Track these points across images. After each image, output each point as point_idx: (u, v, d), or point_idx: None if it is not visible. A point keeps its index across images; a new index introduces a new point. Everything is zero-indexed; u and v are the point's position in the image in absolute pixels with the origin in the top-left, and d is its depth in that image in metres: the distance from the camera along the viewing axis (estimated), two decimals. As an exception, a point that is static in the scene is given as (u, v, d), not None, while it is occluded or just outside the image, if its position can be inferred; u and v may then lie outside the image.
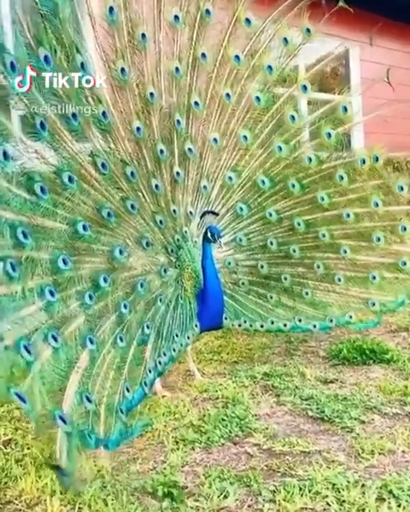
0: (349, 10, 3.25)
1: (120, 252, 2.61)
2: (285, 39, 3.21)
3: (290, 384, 2.93)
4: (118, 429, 2.08)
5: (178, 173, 3.00)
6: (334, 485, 1.95)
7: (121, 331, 2.47)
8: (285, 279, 3.32)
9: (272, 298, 3.32)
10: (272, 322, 3.26)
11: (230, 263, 3.29)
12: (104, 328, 2.37)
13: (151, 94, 2.84)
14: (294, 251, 3.29)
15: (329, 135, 3.29)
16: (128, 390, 2.33)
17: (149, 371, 2.58)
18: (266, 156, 3.26)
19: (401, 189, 3.37)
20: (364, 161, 3.33)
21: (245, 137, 3.20)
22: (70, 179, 2.37)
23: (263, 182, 3.24)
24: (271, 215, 3.27)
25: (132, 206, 2.73)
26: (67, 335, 2.12)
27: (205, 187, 3.15)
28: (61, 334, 2.09)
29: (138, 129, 2.79)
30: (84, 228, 2.39)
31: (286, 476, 2.05)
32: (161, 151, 2.89)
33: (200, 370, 3.21)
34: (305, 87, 3.32)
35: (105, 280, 2.46)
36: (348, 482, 1.96)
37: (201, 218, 3.11)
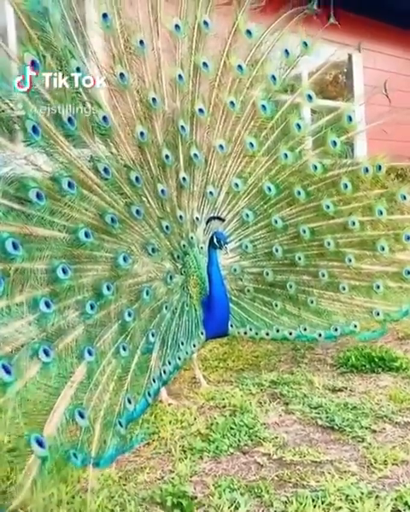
0: (342, 21, 3.31)
1: (125, 259, 2.57)
2: (286, 51, 3.24)
3: (298, 392, 2.89)
4: (114, 444, 2.02)
5: (184, 178, 2.97)
6: (347, 496, 1.91)
7: (124, 340, 2.42)
8: (290, 287, 3.29)
9: (277, 305, 3.28)
10: (278, 331, 3.23)
11: (235, 270, 3.26)
12: (105, 337, 2.32)
13: (153, 99, 2.81)
14: (299, 258, 3.27)
15: (334, 143, 3.30)
16: (130, 401, 2.27)
17: (154, 381, 2.54)
18: (271, 163, 3.25)
19: (404, 198, 3.36)
20: (367, 170, 3.33)
21: (251, 144, 3.19)
22: (70, 185, 2.33)
23: (269, 188, 3.22)
24: (276, 222, 3.24)
25: (138, 212, 2.71)
26: (62, 348, 2.05)
27: (211, 193, 3.12)
28: (55, 348, 2.01)
29: (142, 134, 2.76)
30: (86, 235, 2.35)
31: (298, 487, 2.01)
32: (167, 156, 2.87)
33: (206, 378, 3.17)
34: (310, 96, 3.34)
35: (108, 288, 2.41)
36: (362, 493, 1.92)
37: (207, 223, 3.08)
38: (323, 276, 3.29)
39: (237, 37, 3.10)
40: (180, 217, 2.98)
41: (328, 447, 2.32)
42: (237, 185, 3.19)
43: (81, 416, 1.95)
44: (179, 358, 2.80)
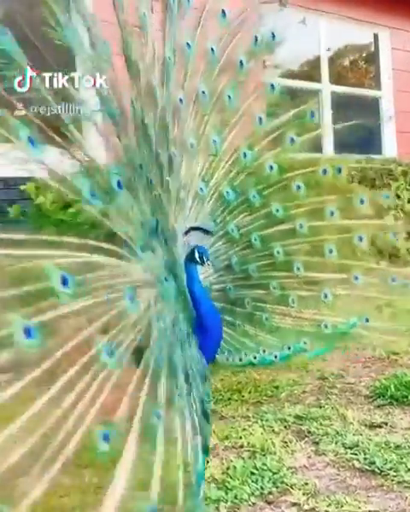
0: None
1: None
2: (256, 38, 3.04)
3: (329, 429, 2.54)
4: None
5: (167, 181, 2.65)
6: None
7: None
8: (248, 303, 2.96)
9: (239, 326, 2.97)
10: (246, 355, 2.91)
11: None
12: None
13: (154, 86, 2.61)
14: (252, 271, 2.94)
15: (292, 140, 3.03)
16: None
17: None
18: (231, 164, 2.99)
19: (362, 202, 3.05)
20: (325, 172, 3.04)
21: (214, 141, 2.91)
22: (119, 184, 2.21)
23: (227, 193, 2.92)
24: (232, 231, 2.93)
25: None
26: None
27: (183, 198, 2.78)
28: None
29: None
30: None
31: (338, 548, 1.62)
32: (158, 154, 2.59)
33: (218, 412, 2.80)
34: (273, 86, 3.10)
35: None
36: None
37: (185, 234, 2.67)
38: (274, 288, 2.96)
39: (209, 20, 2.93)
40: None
41: (369, 495, 2.01)
42: (201, 189, 2.88)
43: None
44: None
